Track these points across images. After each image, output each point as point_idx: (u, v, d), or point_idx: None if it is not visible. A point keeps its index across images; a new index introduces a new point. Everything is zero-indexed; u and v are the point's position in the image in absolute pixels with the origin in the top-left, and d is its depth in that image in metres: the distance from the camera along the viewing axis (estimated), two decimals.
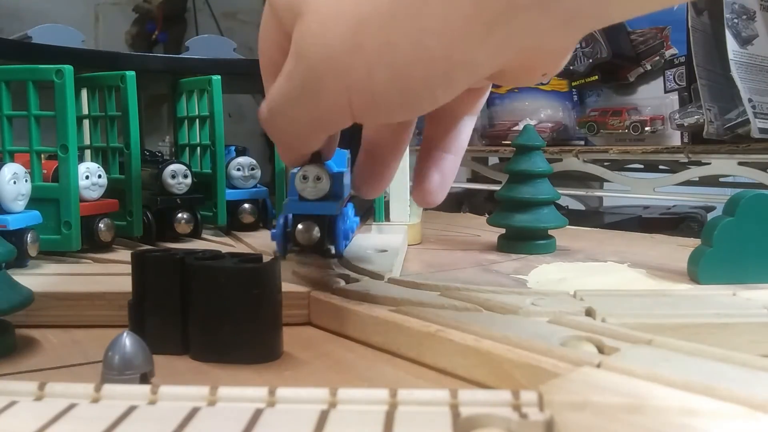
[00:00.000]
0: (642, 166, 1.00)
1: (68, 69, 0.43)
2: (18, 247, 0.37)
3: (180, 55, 0.65)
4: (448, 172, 0.32)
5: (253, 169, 0.59)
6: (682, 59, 0.77)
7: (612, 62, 0.80)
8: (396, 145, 0.33)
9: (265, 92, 0.30)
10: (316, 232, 0.40)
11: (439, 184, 0.32)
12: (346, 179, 0.42)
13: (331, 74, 0.24)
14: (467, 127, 0.32)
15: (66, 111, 0.43)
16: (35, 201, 0.42)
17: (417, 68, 0.23)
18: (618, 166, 0.90)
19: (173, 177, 0.52)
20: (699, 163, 0.77)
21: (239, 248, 0.50)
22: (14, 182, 0.40)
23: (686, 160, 0.77)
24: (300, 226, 0.40)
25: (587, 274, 0.44)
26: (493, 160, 1.05)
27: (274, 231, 0.42)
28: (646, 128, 0.80)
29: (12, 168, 0.40)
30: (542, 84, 0.93)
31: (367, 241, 0.49)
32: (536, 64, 0.25)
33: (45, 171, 0.46)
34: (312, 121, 0.27)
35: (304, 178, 0.38)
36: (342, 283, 0.35)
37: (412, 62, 0.23)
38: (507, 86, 0.35)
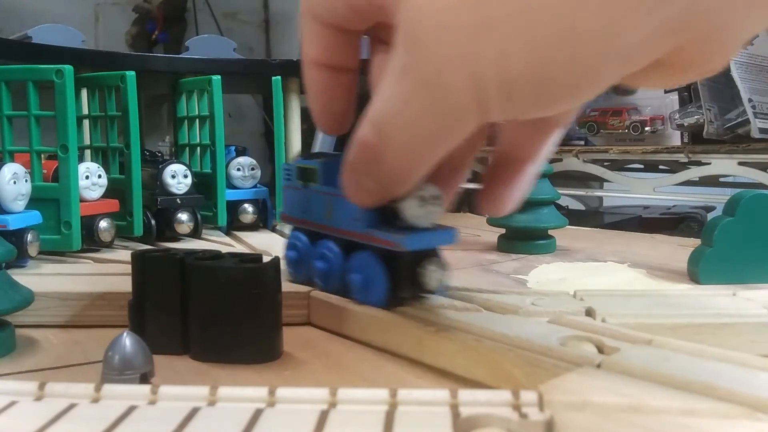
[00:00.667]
0: (642, 166, 1.00)
1: (68, 69, 0.43)
2: (18, 246, 0.37)
3: (180, 55, 0.65)
4: (526, 185, 0.27)
5: (253, 169, 0.59)
6: None
7: None
8: (532, 148, 0.27)
9: (305, 54, 0.26)
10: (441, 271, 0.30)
11: (513, 198, 0.27)
12: None
13: (453, 62, 0.19)
14: (556, 137, 0.27)
15: (66, 111, 0.43)
16: (35, 201, 0.42)
17: (560, 50, 0.18)
18: (618, 166, 0.90)
19: (173, 177, 0.52)
20: (699, 163, 0.77)
21: (239, 248, 0.50)
22: (14, 182, 0.40)
23: (686, 160, 0.77)
24: (432, 267, 0.30)
25: (587, 274, 0.44)
26: None
27: (320, 268, 0.32)
28: (646, 128, 0.80)
29: (12, 168, 0.40)
30: None
31: None
32: (704, 53, 0.19)
33: (45, 171, 0.46)
34: (434, 132, 0.21)
35: (423, 200, 0.27)
36: None
37: (556, 42, 0.18)
38: (654, 87, 0.27)
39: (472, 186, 1.09)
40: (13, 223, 0.39)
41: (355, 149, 0.24)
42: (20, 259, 0.40)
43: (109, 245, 0.47)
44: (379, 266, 0.29)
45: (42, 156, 0.45)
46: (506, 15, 0.18)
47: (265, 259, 0.28)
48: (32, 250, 0.41)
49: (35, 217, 0.41)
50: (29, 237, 0.41)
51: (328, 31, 0.25)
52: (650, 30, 0.17)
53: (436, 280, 0.30)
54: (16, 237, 0.39)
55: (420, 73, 0.20)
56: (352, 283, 0.30)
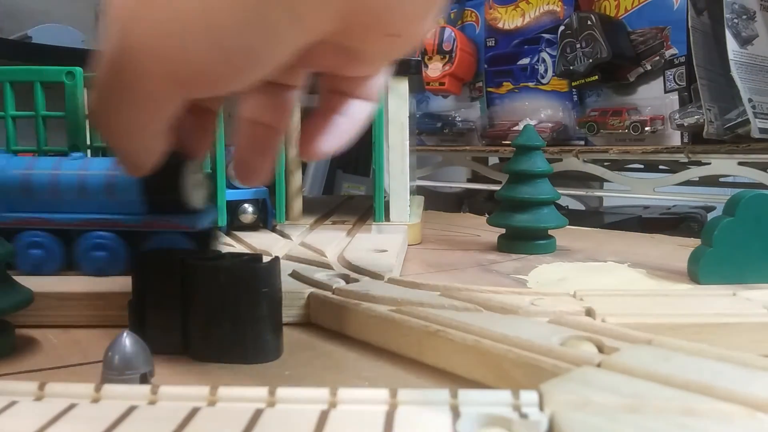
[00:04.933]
0: (642, 166, 1.00)
1: (78, 71, 0.44)
2: None
3: None
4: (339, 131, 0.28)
5: None
6: (682, 59, 0.77)
7: (612, 62, 0.80)
8: (277, 117, 0.28)
9: None
10: None
11: (322, 146, 0.28)
12: None
13: (131, 32, 0.20)
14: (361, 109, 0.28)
15: (77, 112, 0.44)
16: None
17: (225, 1, 0.19)
18: (618, 166, 0.90)
19: None
20: (699, 163, 0.77)
21: (239, 248, 0.50)
22: None
23: (686, 160, 0.77)
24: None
25: (587, 274, 0.44)
26: (493, 160, 1.06)
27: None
28: (646, 128, 0.80)
29: None
30: (542, 84, 0.93)
31: (367, 241, 0.49)
32: (377, 20, 0.21)
33: None
34: (130, 112, 0.23)
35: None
36: (342, 283, 0.35)
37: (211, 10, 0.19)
38: (366, 62, 0.29)
39: (472, 186, 1.10)
40: None
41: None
42: None
43: None
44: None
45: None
46: None
47: (265, 259, 0.28)
48: None
49: None
50: None
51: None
52: None
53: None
54: None
55: (111, 50, 0.21)
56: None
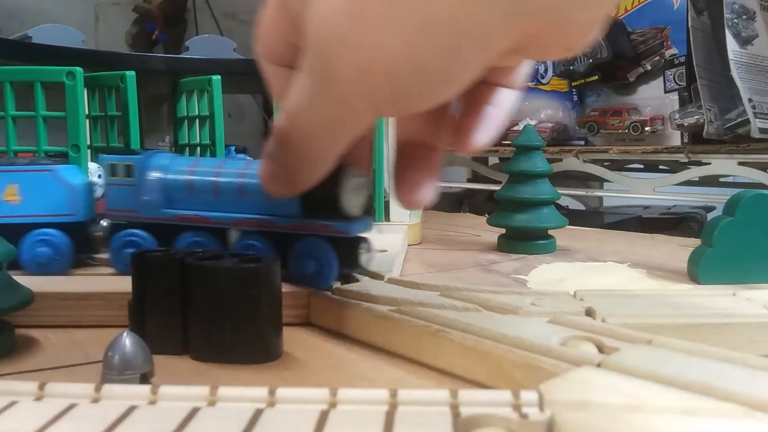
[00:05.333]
0: (642, 166, 1.00)
1: (79, 71, 0.44)
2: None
3: (180, 55, 0.65)
4: (435, 172, 0.29)
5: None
6: (682, 59, 0.77)
7: (612, 62, 0.80)
8: (434, 141, 0.29)
9: (269, 90, 0.28)
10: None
11: (428, 187, 0.29)
12: None
13: (338, 53, 0.21)
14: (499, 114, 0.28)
15: (77, 111, 0.44)
16: None
17: (426, 37, 0.20)
18: (618, 166, 0.90)
19: None
20: (699, 163, 0.77)
21: None
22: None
23: (686, 160, 0.77)
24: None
25: (587, 274, 0.44)
26: (493, 160, 1.05)
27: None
28: (646, 128, 0.80)
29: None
30: (542, 84, 0.93)
31: None
32: (556, 36, 0.22)
33: None
34: (333, 122, 0.24)
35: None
36: (342, 283, 0.35)
37: (418, 30, 0.20)
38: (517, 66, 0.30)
39: (472, 186, 1.09)
40: None
41: (271, 137, 0.26)
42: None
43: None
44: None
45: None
46: (379, 10, 0.20)
47: (265, 259, 0.28)
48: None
49: None
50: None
51: (282, 71, 0.28)
52: (499, 13, 0.20)
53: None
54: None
55: (318, 67, 0.22)
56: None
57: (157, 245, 0.37)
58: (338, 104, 0.23)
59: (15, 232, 0.37)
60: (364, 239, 0.35)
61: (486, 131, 0.28)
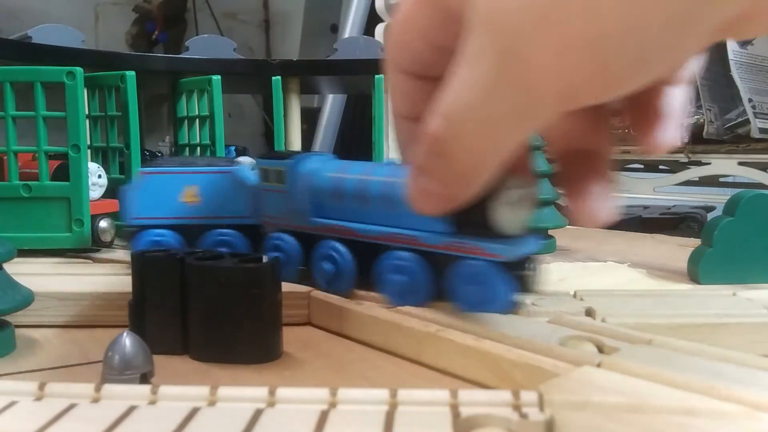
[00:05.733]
0: (642, 166, 1.00)
1: (79, 71, 0.44)
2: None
3: (180, 55, 0.65)
4: (610, 180, 0.25)
5: (253, 169, 0.59)
6: None
7: None
8: (598, 147, 0.25)
9: (393, 108, 0.25)
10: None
11: (608, 202, 0.25)
12: None
13: (530, 32, 0.18)
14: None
15: (77, 111, 0.44)
16: (43, 200, 0.43)
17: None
18: (618, 166, 0.90)
19: None
20: (699, 163, 0.77)
21: None
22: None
23: (686, 160, 0.77)
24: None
25: (587, 274, 0.44)
26: None
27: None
28: None
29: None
30: None
31: None
32: None
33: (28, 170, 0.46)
34: (513, 114, 0.20)
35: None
36: None
37: None
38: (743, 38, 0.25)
39: None
40: None
41: (421, 147, 0.22)
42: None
43: (109, 245, 0.47)
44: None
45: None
46: None
47: (265, 259, 0.28)
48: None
49: None
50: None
51: (415, 83, 0.24)
52: None
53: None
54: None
55: (499, 49, 0.19)
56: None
57: (301, 254, 0.35)
58: (522, 94, 0.19)
59: (195, 231, 0.37)
60: (531, 258, 0.30)
61: (670, 129, 0.24)
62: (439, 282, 0.30)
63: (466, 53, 0.20)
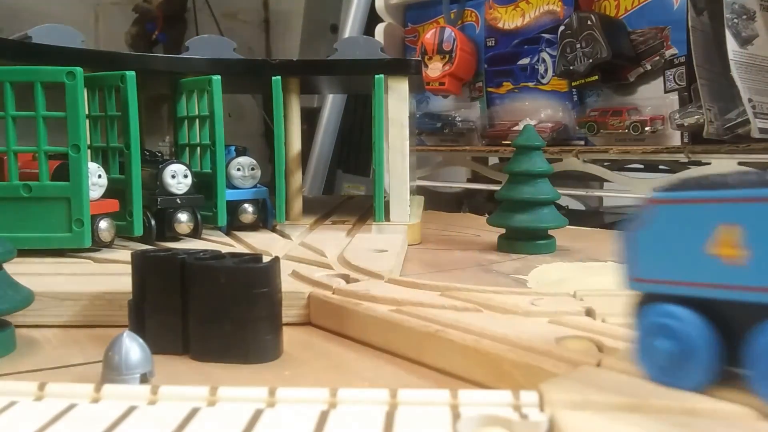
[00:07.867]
0: (642, 166, 1.00)
1: (79, 71, 0.44)
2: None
3: (180, 55, 0.65)
4: None
5: (253, 169, 0.59)
6: (682, 59, 0.77)
7: (612, 62, 0.80)
8: None
9: None
10: None
11: None
12: None
13: None
14: None
15: (77, 112, 0.44)
16: (43, 200, 0.43)
17: None
18: (618, 166, 0.90)
19: (173, 177, 0.52)
20: (699, 163, 0.77)
21: (239, 248, 0.50)
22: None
23: (686, 160, 0.76)
24: None
25: (587, 274, 0.44)
26: (493, 160, 1.05)
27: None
28: (646, 128, 0.80)
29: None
30: (542, 84, 0.93)
31: (367, 241, 0.48)
32: None
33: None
34: None
35: None
36: (342, 283, 0.35)
37: None
38: None
39: (472, 186, 1.09)
40: None
41: None
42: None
43: (109, 245, 0.47)
44: None
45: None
46: None
47: (265, 259, 0.28)
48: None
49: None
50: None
51: None
52: None
53: None
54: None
55: None
56: None
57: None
58: None
59: (739, 315, 0.19)
60: None
61: None
62: None
63: None
